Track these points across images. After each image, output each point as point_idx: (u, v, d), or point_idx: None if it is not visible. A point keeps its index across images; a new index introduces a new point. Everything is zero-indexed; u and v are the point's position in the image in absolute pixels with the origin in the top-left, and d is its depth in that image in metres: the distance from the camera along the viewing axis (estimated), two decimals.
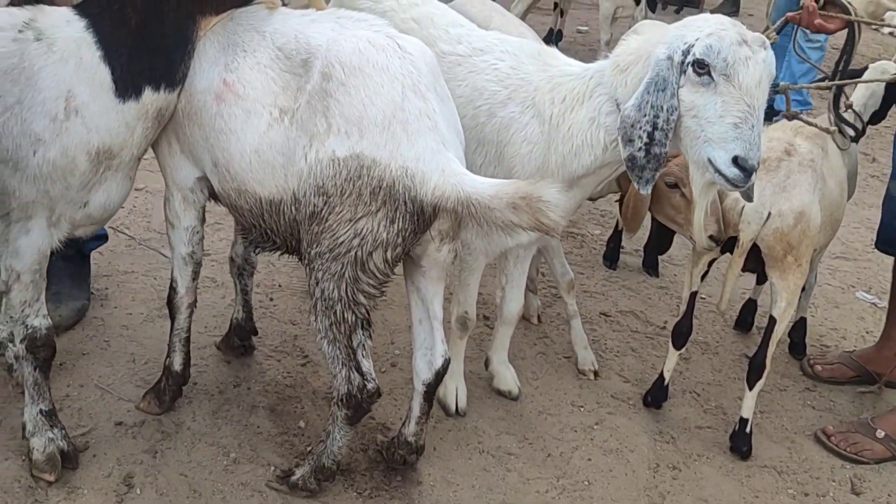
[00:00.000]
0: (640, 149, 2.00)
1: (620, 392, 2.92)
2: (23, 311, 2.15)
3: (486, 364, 2.86)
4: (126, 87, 2.02)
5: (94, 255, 3.13)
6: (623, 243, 3.79)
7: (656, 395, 2.82)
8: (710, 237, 2.39)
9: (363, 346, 2.09)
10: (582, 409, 2.81)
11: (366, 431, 2.55)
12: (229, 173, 2.10)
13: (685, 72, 1.97)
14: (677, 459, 2.65)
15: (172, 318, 2.47)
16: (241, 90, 2.05)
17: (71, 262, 2.98)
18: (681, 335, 2.71)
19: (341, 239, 1.95)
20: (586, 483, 2.50)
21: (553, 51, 2.35)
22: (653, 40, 2.08)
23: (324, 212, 1.95)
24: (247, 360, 2.82)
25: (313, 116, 1.95)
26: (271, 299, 3.20)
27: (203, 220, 2.38)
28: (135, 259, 3.34)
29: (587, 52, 7.02)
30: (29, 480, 2.21)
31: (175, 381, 2.51)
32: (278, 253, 2.25)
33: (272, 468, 2.37)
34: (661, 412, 2.85)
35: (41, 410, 2.22)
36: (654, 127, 1.98)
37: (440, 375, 2.29)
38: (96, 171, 2.08)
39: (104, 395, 2.56)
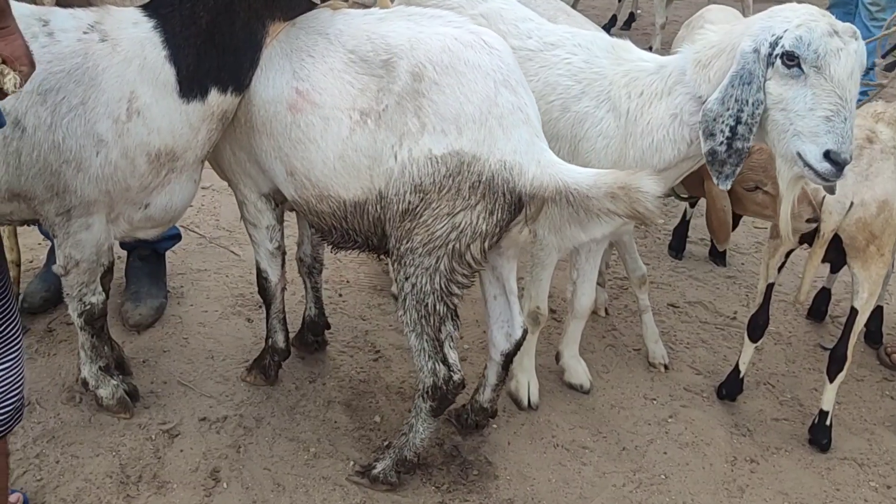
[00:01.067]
0: (721, 143, 1.98)
1: (693, 384, 2.90)
2: (80, 290, 2.28)
3: (557, 358, 2.86)
4: (191, 87, 2.02)
5: (167, 253, 3.20)
6: (689, 233, 3.74)
7: (731, 388, 2.79)
8: (809, 220, 2.36)
9: (450, 337, 2.14)
10: (655, 402, 2.79)
11: (440, 426, 2.57)
12: (310, 181, 2.11)
13: (773, 64, 1.94)
14: (755, 452, 2.62)
15: (268, 304, 2.57)
16: (317, 98, 2.03)
17: (147, 262, 3.07)
18: (757, 327, 2.67)
19: (438, 233, 1.98)
20: (663, 477, 2.48)
21: (626, 44, 2.33)
22: (735, 32, 2.04)
23: (419, 208, 1.97)
24: (320, 355, 2.86)
25: (403, 116, 1.96)
26: (340, 295, 3.24)
27: (281, 218, 2.44)
28: (206, 257, 3.42)
29: (640, 35, 6.92)
30: (121, 476, 2.29)
31: (280, 356, 2.65)
32: (357, 252, 2.28)
33: (351, 462, 2.41)
34: (736, 404, 2.81)
35: (100, 367, 2.44)
36: (738, 121, 1.95)
37: (519, 345, 2.39)
38: (158, 173, 2.10)
39: (187, 391, 2.63)
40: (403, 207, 1.99)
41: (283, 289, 2.56)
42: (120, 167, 2.03)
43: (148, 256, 3.06)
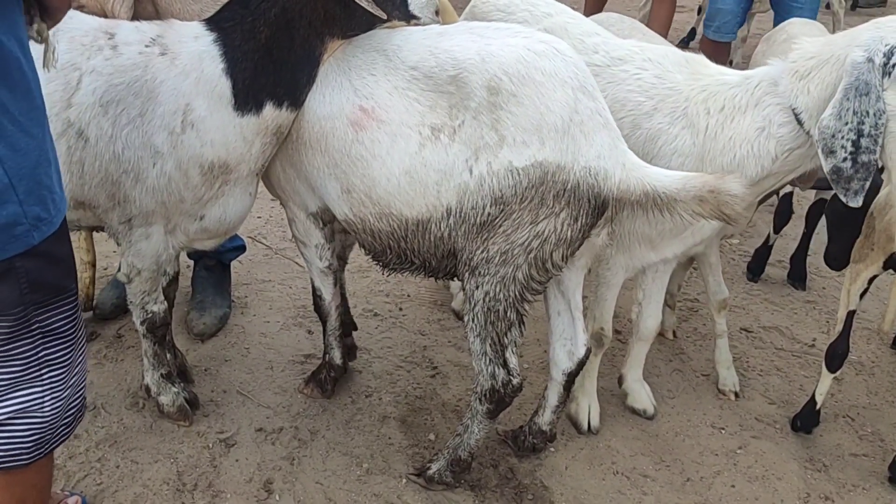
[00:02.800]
0: (844, 159, 1.88)
1: (765, 414, 2.75)
2: (142, 298, 2.32)
3: (620, 381, 2.76)
4: (247, 101, 2.02)
5: (233, 263, 3.25)
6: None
7: (807, 420, 2.63)
8: None
9: (514, 342, 2.11)
10: (723, 432, 2.66)
11: (495, 446, 2.52)
12: (370, 199, 2.07)
13: (889, 74, 1.86)
14: (830, 489, 2.46)
15: (324, 321, 2.58)
16: (383, 115, 2.00)
17: (213, 272, 3.12)
18: (836, 357, 2.51)
19: (519, 241, 1.95)
20: None
21: (701, 58, 2.24)
22: (838, 43, 1.95)
23: (497, 220, 1.94)
24: (377, 369, 2.85)
25: (479, 130, 1.93)
26: (400, 309, 3.23)
27: (330, 237, 2.41)
28: (271, 268, 3.46)
29: None
30: (177, 483, 2.32)
31: (337, 372, 2.66)
32: (411, 274, 2.24)
33: (403, 481, 2.37)
34: (812, 437, 2.65)
35: (161, 374, 2.49)
36: (860, 134, 1.86)
37: (582, 364, 2.34)
38: (211, 185, 2.11)
39: (245, 401, 2.66)
40: (482, 220, 1.96)
41: (338, 307, 2.55)
42: (174, 179, 2.05)
43: (213, 266, 3.11)
